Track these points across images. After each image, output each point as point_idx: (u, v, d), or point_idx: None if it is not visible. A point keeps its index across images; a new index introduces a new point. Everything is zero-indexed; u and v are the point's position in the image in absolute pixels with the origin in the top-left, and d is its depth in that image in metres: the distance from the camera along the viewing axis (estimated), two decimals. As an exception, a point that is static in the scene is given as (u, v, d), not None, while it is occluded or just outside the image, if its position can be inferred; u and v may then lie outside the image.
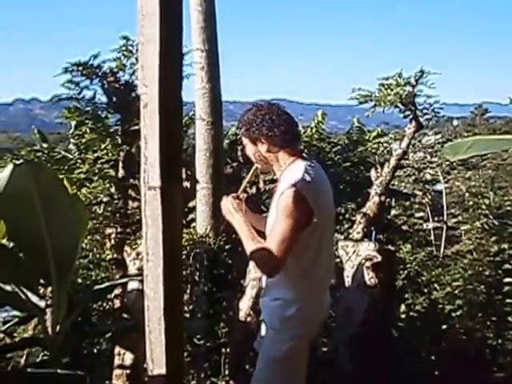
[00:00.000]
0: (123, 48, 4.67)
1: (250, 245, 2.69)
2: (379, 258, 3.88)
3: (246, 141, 2.85)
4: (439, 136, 11.80)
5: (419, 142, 11.58)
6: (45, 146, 8.35)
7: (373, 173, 4.74)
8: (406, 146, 4.63)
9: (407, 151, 4.71)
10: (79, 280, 4.74)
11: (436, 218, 10.05)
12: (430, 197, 9.80)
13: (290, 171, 2.74)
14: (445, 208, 8.82)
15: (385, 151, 5.59)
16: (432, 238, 8.60)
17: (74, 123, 6.25)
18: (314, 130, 6.05)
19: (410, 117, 4.62)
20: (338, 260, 4.28)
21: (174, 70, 2.14)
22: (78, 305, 3.43)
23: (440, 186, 9.95)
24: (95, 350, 4.40)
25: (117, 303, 4.54)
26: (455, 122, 23.25)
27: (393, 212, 6.87)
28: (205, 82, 5.85)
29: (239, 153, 7.77)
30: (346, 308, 3.93)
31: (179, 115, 2.23)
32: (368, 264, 3.86)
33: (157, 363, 2.23)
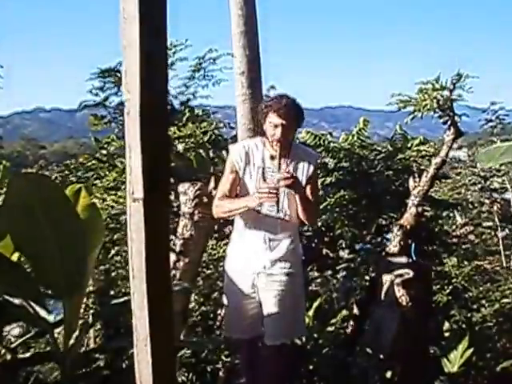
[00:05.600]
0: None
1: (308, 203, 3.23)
2: (411, 274, 3.62)
3: (292, 122, 3.21)
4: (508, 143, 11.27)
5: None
6: (104, 152, 8.41)
7: (411, 182, 4.48)
8: (444, 155, 4.34)
9: (446, 160, 4.41)
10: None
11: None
12: (498, 206, 9.43)
13: (301, 147, 3.58)
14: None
15: (425, 159, 5.32)
16: (501, 247, 8.22)
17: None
18: (355, 137, 5.80)
19: (449, 123, 4.32)
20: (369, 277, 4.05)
21: (156, 74, 2.01)
22: (97, 320, 3.36)
23: (509, 195, 9.59)
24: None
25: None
26: (524, 129, 22.27)
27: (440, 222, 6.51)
28: (245, 88, 5.70)
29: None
30: (376, 327, 3.69)
31: (164, 123, 2.10)
32: (399, 280, 3.62)
33: (144, 387, 2.11)
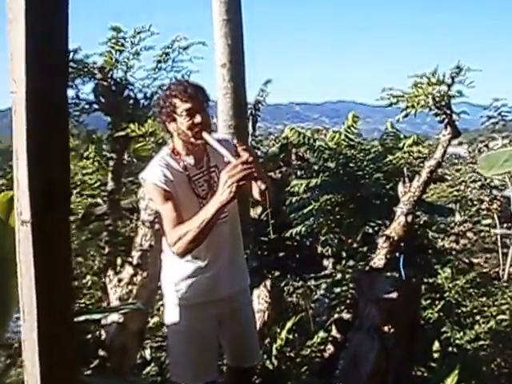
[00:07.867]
0: (113, 41, 4.13)
1: None
2: (395, 295, 3.15)
3: (205, 103, 2.57)
4: (507, 140, 11.19)
5: (486, 146, 10.91)
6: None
7: (400, 188, 4.01)
8: (440, 156, 3.87)
9: (441, 162, 3.94)
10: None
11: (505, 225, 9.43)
12: (498, 203, 9.30)
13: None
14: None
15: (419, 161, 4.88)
16: (499, 245, 8.08)
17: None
18: (343, 136, 5.32)
19: (445, 122, 3.85)
20: (350, 294, 3.59)
21: (49, 60, 1.52)
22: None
23: (509, 192, 9.51)
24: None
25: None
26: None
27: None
28: (226, 81, 5.24)
29: (293, 156, 7.18)
30: (353, 355, 3.22)
31: (62, 121, 1.60)
32: (381, 302, 3.15)
33: None
